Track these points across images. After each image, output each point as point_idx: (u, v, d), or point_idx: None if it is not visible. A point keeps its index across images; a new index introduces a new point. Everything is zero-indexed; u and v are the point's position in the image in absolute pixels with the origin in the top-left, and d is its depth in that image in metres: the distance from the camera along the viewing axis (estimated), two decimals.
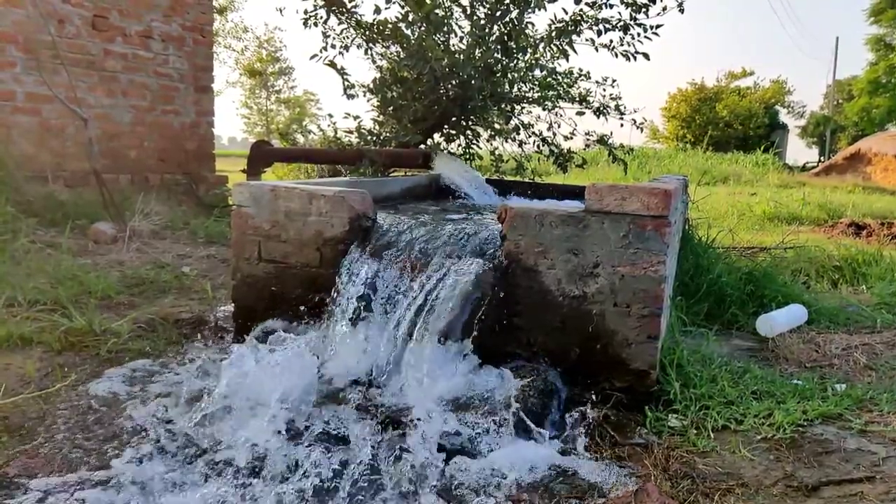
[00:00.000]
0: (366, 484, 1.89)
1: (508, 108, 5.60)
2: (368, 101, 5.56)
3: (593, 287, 2.43)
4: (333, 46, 5.44)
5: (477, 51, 5.10)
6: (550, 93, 5.47)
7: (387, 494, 1.88)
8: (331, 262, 2.77)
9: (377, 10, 5.15)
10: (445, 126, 5.63)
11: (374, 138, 5.50)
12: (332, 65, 5.35)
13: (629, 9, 5.11)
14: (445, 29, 5.15)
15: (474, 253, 2.59)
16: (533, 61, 5.42)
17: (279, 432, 2.07)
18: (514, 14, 5.16)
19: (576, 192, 4.43)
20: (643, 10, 5.10)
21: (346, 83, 5.42)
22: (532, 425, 2.16)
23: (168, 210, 6.19)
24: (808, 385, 2.68)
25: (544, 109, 5.61)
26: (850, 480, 1.95)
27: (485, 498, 1.87)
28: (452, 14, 5.26)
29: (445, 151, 5.43)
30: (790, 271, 5.00)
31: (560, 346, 2.49)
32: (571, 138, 5.81)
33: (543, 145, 5.81)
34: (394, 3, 5.09)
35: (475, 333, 2.47)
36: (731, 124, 31.59)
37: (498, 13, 5.14)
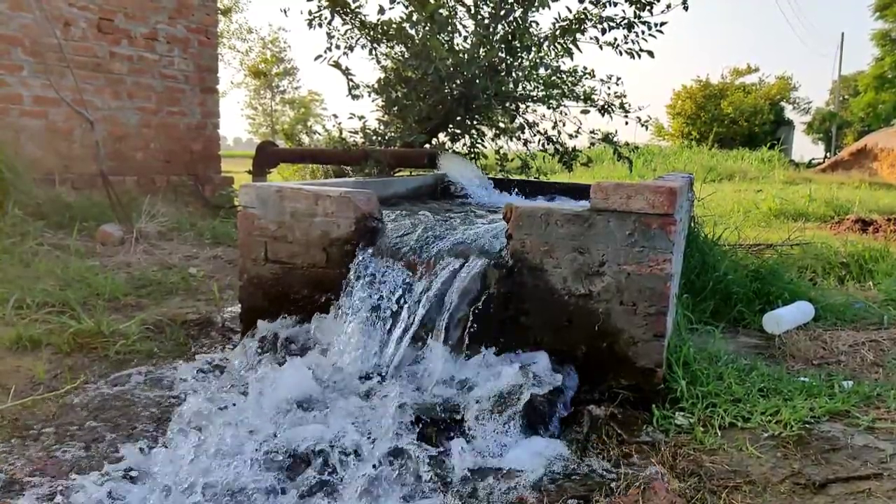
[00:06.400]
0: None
1: (513, 106, 5.60)
2: (373, 101, 5.57)
3: (599, 286, 2.43)
4: (338, 47, 5.45)
5: (481, 50, 5.10)
6: (555, 91, 5.46)
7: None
8: (337, 262, 2.78)
9: (381, 11, 5.16)
10: (450, 125, 5.63)
11: (380, 138, 5.52)
12: (336, 65, 5.36)
13: (633, 6, 5.10)
14: (449, 28, 5.16)
15: (480, 252, 2.59)
16: (537, 60, 5.42)
17: None
18: (518, 13, 5.16)
19: (582, 191, 4.43)
20: (647, 7, 5.09)
21: (351, 83, 5.43)
22: (539, 424, 2.17)
23: (174, 211, 6.22)
24: (815, 382, 2.68)
25: (549, 108, 5.60)
26: (857, 477, 1.95)
27: (491, 494, 1.88)
28: (456, 13, 5.27)
29: (450, 151, 5.44)
30: (796, 268, 4.99)
31: (567, 344, 2.49)
32: (576, 136, 5.80)
33: (548, 144, 5.81)
34: (398, 3, 5.10)
35: (482, 332, 2.48)
36: (737, 121, 31.48)
37: (502, 12, 5.14)
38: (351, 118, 5.54)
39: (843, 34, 39.02)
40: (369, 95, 5.52)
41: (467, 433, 2.14)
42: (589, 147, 6.02)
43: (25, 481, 1.91)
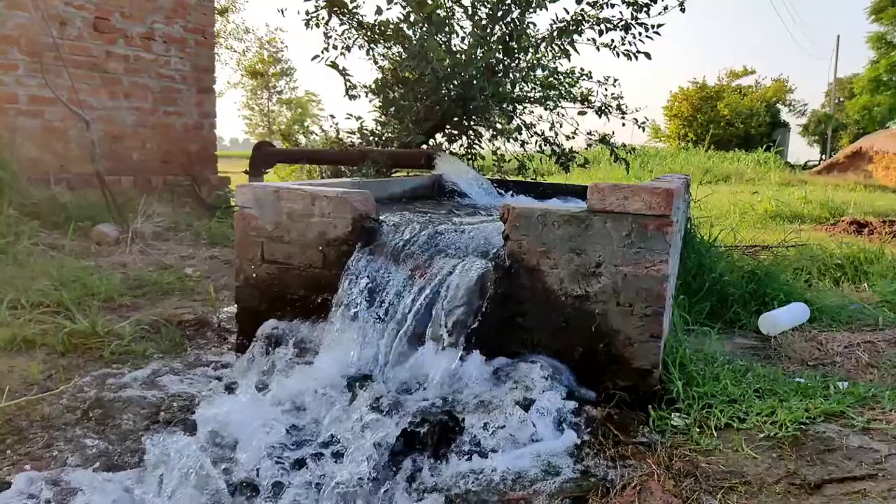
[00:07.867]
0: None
1: (510, 108, 5.61)
2: (370, 101, 5.59)
3: (596, 287, 2.43)
4: (335, 47, 5.46)
5: (478, 51, 5.11)
6: (552, 92, 5.48)
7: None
8: (334, 262, 2.77)
9: (379, 11, 5.17)
10: (447, 126, 5.64)
11: (377, 139, 5.52)
12: (333, 65, 5.37)
13: (630, 8, 5.12)
14: (447, 29, 5.17)
15: (477, 253, 2.59)
16: (534, 61, 5.43)
17: None
18: (515, 14, 5.17)
19: (579, 192, 4.43)
20: (644, 9, 5.11)
21: (348, 84, 5.44)
22: (535, 424, 2.17)
23: (171, 212, 6.20)
24: (810, 383, 2.68)
25: (546, 109, 5.62)
26: (852, 478, 1.95)
27: (488, 496, 1.88)
28: (454, 14, 5.28)
29: (447, 152, 5.44)
30: (792, 270, 4.99)
31: (563, 345, 2.49)
32: (573, 138, 5.83)
33: (545, 145, 5.82)
34: (396, 3, 5.11)
35: (479, 334, 2.47)
36: (733, 123, 31.54)
37: (499, 13, 5.15)
38: (348, 119, 5.55)
39: (838, 37, 38.93)
40: (366, 96, 5.53)
41: (463, 436, 2.13)
42: (586, 148, 6.04)
43: (19, 482, 1.90)
